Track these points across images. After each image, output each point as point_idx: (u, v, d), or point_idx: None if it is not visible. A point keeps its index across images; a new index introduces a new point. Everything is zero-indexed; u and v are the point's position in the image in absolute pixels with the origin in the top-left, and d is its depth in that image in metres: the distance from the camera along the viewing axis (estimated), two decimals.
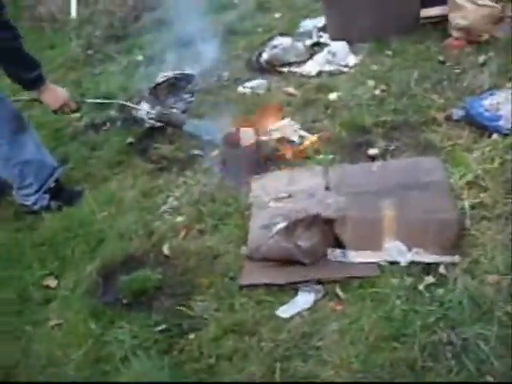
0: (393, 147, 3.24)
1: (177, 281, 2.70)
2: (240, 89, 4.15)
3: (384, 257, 2.54)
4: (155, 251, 2.89)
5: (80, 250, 3.00)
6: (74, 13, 6.20)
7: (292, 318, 2.41)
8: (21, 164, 3.22)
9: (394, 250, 2.53)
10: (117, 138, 3.90)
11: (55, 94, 3.15)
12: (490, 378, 2.06)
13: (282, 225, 2.62)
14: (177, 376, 2.27)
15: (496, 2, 3.90)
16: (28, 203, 3.34)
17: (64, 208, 3.33)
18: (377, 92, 3.75)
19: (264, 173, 3.16)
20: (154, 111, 3.74)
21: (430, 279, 2.43)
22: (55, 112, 3.24)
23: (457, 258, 2.49)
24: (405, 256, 2.52)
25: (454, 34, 4.09)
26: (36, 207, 3.33)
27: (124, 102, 3.93)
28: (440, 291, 2.37)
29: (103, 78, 4.89)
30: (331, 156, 3.25)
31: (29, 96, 3.30)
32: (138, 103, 3.94)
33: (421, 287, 2.41)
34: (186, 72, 4.26)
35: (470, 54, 3.93)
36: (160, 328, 2.48)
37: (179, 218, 3.06)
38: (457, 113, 3.32)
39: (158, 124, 3.76)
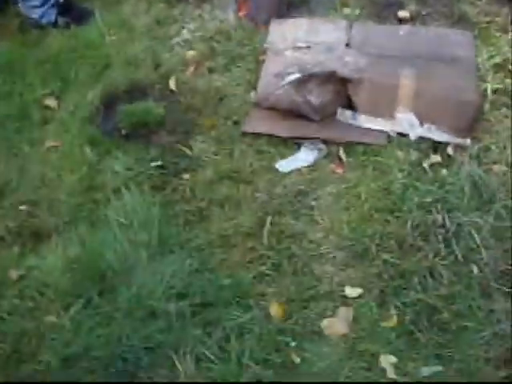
0: (424, 13, 3.06)
1: (179, 118, 2.63)
2: None
3: (394, 127, 2.45)
4: (161, 84, 2.79)
5: (84, 72, 2.89)
6: None
7: (290, 173, 2.38)
8: None
9: (406, 122, 2.44)
10: None
11: None
12: (474, 267, 2.05)
13: (295, 76, 2.50)
14: (166, 215, 2.25)
15: None
16: (35, 16, 3.18)
17: (72, 26, 3.17)
18: None
19: (285, 17, 2.98)
20: None
21: (436, 158, 2.38)
22: None
23: (468, 142, 2.41)
24: (415, 130, 2.43)
25: None
26: (43, 21, 3.17)
27: None
28: (444, 172, 2.32)
29: None
30: (358, 11, 3.06)
31: None
32: None
33: (425, 165, 2.35)
34: None
35: None
36: (156, 164, 2.44)
37: (190, 53, 2.93)
38: None
39: None
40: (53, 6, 3.15)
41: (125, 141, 2.56)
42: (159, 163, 2.44)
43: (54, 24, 3.18)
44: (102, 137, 2.59)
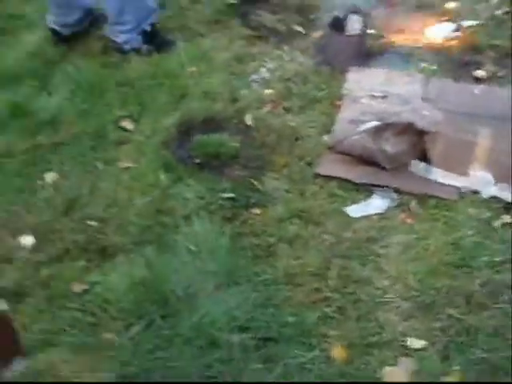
0: (501, 74, 3.06)
1: (253, 153, 2.66)
2: None
3: (467, 184, 2.44)
4: (237, 118, 2.83)
5: (162, 99, 2.96)
6: None
7: (360, 218, 2.38)
8: None
9: (480, 180, 2.44)
10: None
11: None
12: None
13: (372, 124, 2.53)
14: (234, 246, 2.27)
15: None
16: (119, 40, 3.27)
17: (154, 54, 3.25)
18: (498, 12, 3.50)
19: (363, 66, 3.02)
20: None
21: (507, 218, 2.35)
22: None
23: None
24: (489, 188, 2.42)
25: None
26: (126, 47, 3.27)
27: None
28: None
29: None
30: (435, 67, 3.09)
31: None
32: None
33: (496, 224, 2.33)
34: None
35: None
36: (227, 195, 2.47)
37: (267, 91, 2.98)
38: None
39: None
40: (139, 33, 3.24)
41: (198, 170, 2.60)
42: (231, 195, 2.47)
43: (137, 50, 3.26)
44: (176, 163, 2.63)
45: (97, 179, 2.63)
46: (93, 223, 2.45)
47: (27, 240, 2.41)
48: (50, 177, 2.66)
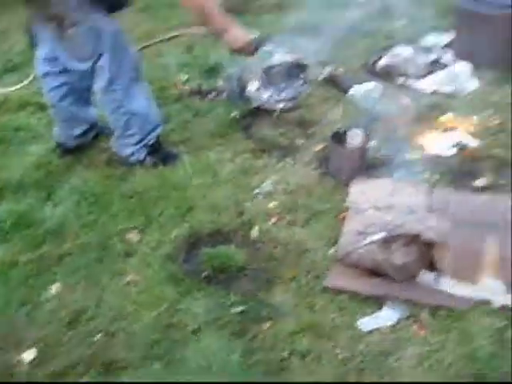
0: (501, 183, 3.11)
1: (260, 266, 2.65)
2: (351, 90, 4.04)
3: (479, 293, 2.43)
4: (243, 231, 2.84)
5: (168, 211, 2.98)
6: None
7: (372, 331, 2.34)
8: (130, 113, 3.20)
9: (491, 289, 2.43)
10: (221, 108, 3.85)
11: (239, 34, 3.26)
12: None
13: (379, 236, 2.53)
14: (246, 362, 2.23)
15: None
16: (125, 153, 3.34)
17: (159, 166, 3.30)
18: (492, 123, 3.61)
19: (365, 178, 3.07)
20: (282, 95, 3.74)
21: None
22: (233, 51, 3.36)
23: None
24: (500, 297, 2.41)
25: None
26: (132, 159, 3.32)
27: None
28: None
29: (215, 49, 4.85)
30: (437, 176, 3.15)
31: (211, 30, 3.31)
32: (249, 81, 3.89)
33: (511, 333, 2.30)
34: (300, 60, 4.18)
35: None
36: (236, 310, 2.44)
37: (272, 204, 3.01)
38: None
39: (267, 106, 3.71)
40: (144, 146, 3.30)
41: (206, 283, 2.58)
42: (239, 309, 2.44)
43: (142, 162, 3.32)
44: (183, 276, 2.61)
45: (102, 292, 2.60)
46: (98, 337, 2.40)
47: (29, 354, 2.35)
48: (54, 288, 2.63)
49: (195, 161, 3.33)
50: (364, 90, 3.99)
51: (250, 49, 3.35)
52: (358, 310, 2.42)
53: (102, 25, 3.03)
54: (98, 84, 3.17)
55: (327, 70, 4.12)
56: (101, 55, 3.07)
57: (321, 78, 4.15)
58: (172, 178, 3.19)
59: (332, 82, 4.09)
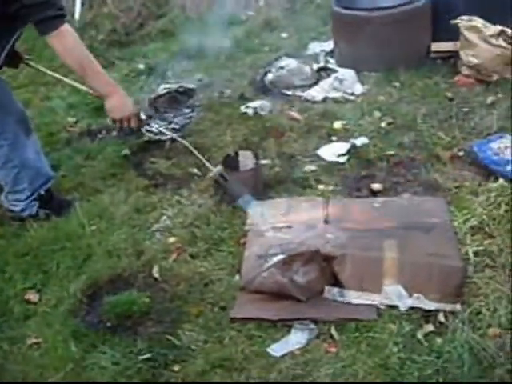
0: (396, 183, 3.16)
1: (165, 307, 2.58)
2: (242, 108, 4.04)
3: (383, 300, 2.44)
4: (144, 272, 2.76)
5: (66, 264, 2.87)
6: (77, 15, 6.07)
7: (283, 356, 2.30)
8: (19, 168, 3.09)
9: (394, 294, 2.43)
10: (112, 147, 3.78)
11: (121, 102, 2.93)
12: None
13: (278, 258, 2.51)
14: None
15: (509, 44, 3.85)
16: (16, 209, 3.21)
17: (52, 217, 3.19)
18: (382, 124, 3.68)
19: (262, 199, 3.04)
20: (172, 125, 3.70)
21: (429, 327, 2.34)
22: (114, 121, 3.01)
23: (458, 307, 2.39)
24: (404, 301, 2.42)
25: (464, 71, 4.04)
26: (24, 214, 3.20)
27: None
28: (439, 341, 2.28)
29: None
30: (332, 187, 3.16)
31: (94, 92, 3.00)
32: None
33: (419, 335, 2.31)
34: (187, 86, 4.16)
35: (478, 93, 3.90)
36: (144, 357, 2.35)
37: (171, 239, 2.95)
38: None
39: (157, 138, 3.64)
40: (35, 199, 3.18)
41: (111, 333, 2.48)
42: (147, 356, 2.36)
43: (35, 216, 3.20)
44: (87, 330, 2.51)
45: (4, 361, 2.46)
46: None
47: None
48: None
49: (89, 206, 3.24)
50: (254, 107, 3.99)
51: (133, 122, 2.97)
52: (268, 337, 2.38)
53: None
54: None
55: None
56: None
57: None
58: (66, 228, 3.08)
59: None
